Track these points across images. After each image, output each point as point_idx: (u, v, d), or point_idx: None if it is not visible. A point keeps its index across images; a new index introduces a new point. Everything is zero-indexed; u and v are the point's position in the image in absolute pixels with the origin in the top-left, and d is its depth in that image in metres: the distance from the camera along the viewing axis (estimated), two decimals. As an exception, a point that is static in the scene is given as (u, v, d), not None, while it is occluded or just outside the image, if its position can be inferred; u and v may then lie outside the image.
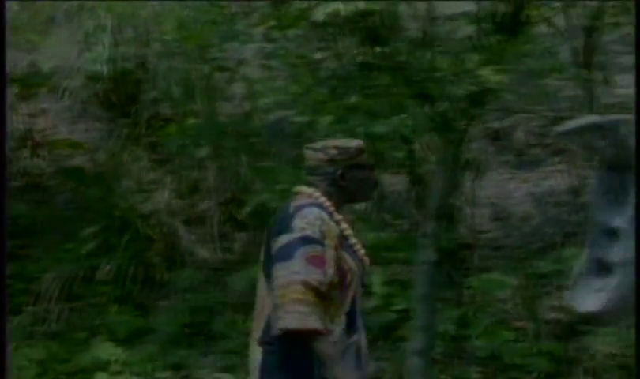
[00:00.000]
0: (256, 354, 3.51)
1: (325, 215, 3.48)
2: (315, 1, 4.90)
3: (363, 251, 3.61)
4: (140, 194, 7.93)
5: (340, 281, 3.48)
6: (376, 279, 6.54)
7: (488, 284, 6.67)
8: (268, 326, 3.48)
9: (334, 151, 3.58)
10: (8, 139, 6.30)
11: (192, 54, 7.89)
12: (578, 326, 6.43)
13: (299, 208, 3.48)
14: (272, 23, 6.27)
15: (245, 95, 7.74)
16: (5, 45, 4.48)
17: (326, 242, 3.44)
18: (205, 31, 7.01)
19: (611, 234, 4.01)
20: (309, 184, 3.58)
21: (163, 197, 8.00)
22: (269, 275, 3.48)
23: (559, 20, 7.41)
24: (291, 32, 6.03)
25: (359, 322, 3.58)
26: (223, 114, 8.06)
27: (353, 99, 5.15)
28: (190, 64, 8.07)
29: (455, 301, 6.82)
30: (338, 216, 3.54)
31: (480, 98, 4.88)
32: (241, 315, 6.99)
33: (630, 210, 3.99)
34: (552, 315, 6.65)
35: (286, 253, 3.40)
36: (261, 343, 3.49)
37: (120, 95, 8.79)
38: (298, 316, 3.35)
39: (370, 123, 5.67)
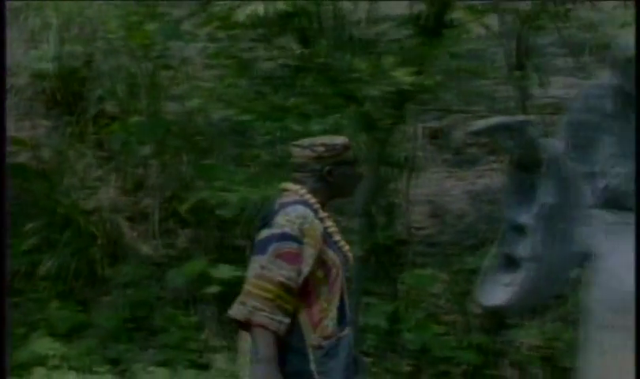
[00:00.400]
0: (246, 346, 3.59)
1: (309, 213, 3.59)
2: (237, 2, 4.98)
3: (347, 247, 3.75)
4: (84, 191, 8.01)
5: (326, 277, 3.61)
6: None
7: (421, 280, 6.85)
8: None
9: (322, 149, 3.68)
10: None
11: (136, 53, 7.98)
12: (506, 320, 6.67)
13: (283, 206, 3.59)
14: (217, 23, 6.40)
15: (187, 94, 7.83)
16: (5, 45, 4.43)
17: (306, 240, 3.55)
18: (149, 30, 7.12)
19: (519, 230, 4.20)
20: (295, 181, 3.68)
21: (107, 193, 8.09)
22: None
23: (495, 23, 7.63)
24: (234, 32, 6.15)
25: (349, 316, 3.73)
26: (168, 113, 8.16)
27: (284, 99, 5.28)
28: (135, 62, 8.15)
29: (390, 296, 6.99)
30: (323, 214, 3.66)
31: (404, 99, 5.04)
32: (180, 310, 7.18)
33: (536, 208, 4.18)
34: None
35: (261, 248, 3.53)
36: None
37: (66, 93, 8.85)
38: (247, 308, 3.47)
39: (306, 122, 5.82)
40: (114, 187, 8.17)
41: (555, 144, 4.32)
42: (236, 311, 3.51)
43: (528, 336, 6.34)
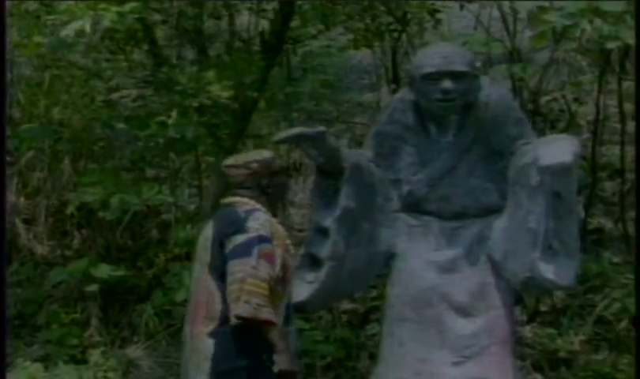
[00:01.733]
0: (205, 345, 3.97)
1: (270, 218, 4.00)
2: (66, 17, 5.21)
3: (294, 251, 4.17)
4: (-17, 194, 8.31)
5: (283, 276, 4.01)
6: (187, 274, 7.09)
7: (293, 278, 7.22)
8: (222, 319, 3.94)
9: (255, 165, 4.09)
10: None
11: (33, 62, 8.30)
12: (371, 315, 7.08)
13: (250, 212, 3.97)
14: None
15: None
16: (5, 45, 4.62)
17: (275, 242, 3.96)
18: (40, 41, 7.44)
19: (324, 232, 4.59)
20: (240, 197, 4.07)
21: (8, 197, 8.40)
22: (220, 274, 3.95)
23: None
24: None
25: (292, 313, 4.14)
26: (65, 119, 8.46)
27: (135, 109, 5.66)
28: (35, 71, 8.48)
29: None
30: (274, 220, 4.08)
31: (248, 110, 5.44)
32: (70, 308, 7.52)
33: (337, 211, 4.57)
34: (350, 305, 7.27)
35: (243, 251, 3.89)
36: (214, 334, 3.96)
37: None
38: (253, 306, 3.84)
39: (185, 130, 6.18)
40: (15, 191, 8.49)
41: (356, 153, 4.74)
42: (243, 309, 3.84)
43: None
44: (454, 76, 4.48)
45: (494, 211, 4.62)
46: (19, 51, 8.02)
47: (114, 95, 5.93)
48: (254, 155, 4.17)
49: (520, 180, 4.46)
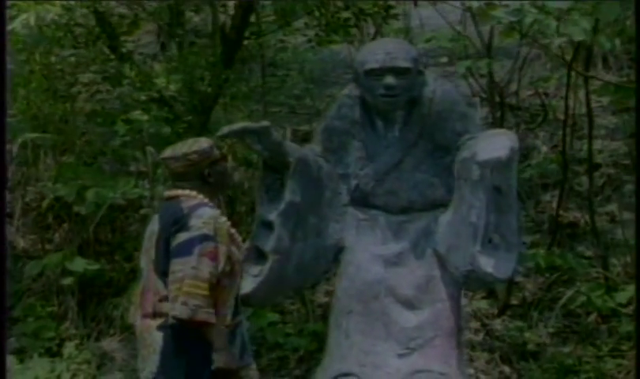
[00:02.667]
0: (154, 338, 4.01)
1: (217, 213, 3.98)
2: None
3: (242, 244, 4.19)
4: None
5: (231, 271, 4.02)
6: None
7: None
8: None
9: (195, 156, 4.06)
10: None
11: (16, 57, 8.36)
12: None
13: (193, 208, 3.96)
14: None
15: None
16: (5, 46, 4.69)
17: (218, 238, 3.94)
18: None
19: (268, 226, 4.64)
20: (183, 189, 4.06)
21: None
22: (164, 271, 3.97)
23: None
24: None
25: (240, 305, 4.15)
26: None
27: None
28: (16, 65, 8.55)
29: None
30: (218, 213, 4.05)
31: (208, 105, 5.48)
32: (49, 301, 7.60)
33: (282, 205, 4.61)
34: (325, 299, 7.30)
35: (185, 250, 3.89)
36: (163, 328, 3.98)
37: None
38: (190, 308, 3.86)
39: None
40: None
41: (303, 147, 4.78)
42: (180, 311, 3.87)
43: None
44: (397, 72, 4.51)
45: (440, 205, 4.65)
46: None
47: (74, 90, 5.96)
48: (192, 146, 4.11)
49: (463, 174, 4.48)
